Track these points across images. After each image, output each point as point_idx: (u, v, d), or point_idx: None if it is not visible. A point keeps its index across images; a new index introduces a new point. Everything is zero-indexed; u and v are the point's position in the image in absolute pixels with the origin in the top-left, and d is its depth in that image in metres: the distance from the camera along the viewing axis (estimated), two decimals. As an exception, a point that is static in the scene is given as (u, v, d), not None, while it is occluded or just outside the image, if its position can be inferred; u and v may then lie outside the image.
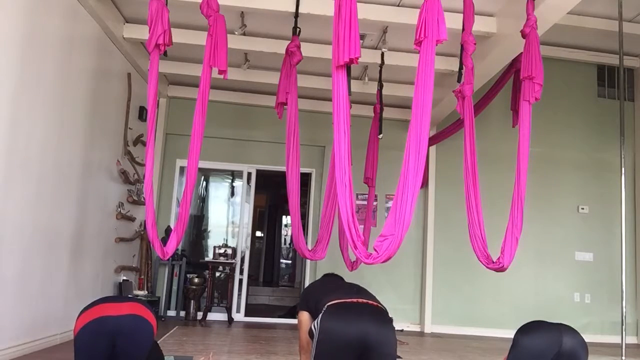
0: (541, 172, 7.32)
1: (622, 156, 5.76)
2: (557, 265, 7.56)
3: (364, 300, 2.80)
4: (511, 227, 4.07)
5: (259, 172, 7.99)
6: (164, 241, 4.16)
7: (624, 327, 5.60)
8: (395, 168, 3.72)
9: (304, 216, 7.46)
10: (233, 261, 7.53)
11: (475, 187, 4.17)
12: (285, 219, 12.82)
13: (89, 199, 5.37)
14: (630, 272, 7.16)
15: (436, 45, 3.50)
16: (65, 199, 4.86)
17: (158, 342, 3.07)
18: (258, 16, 5.41)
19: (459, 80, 4.46)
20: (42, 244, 4.45)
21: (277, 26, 5.62)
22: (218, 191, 10.50)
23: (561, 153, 7.75)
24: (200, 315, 7.24)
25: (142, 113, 6.74)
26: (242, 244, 7.86)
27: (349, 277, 4.12)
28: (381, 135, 6.13)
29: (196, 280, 7.44)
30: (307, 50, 5.39)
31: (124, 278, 6.55)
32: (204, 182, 9.93)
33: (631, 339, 7.14)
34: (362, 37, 5.64)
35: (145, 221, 4.99)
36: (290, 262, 12.66)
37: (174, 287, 7.48)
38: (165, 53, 4.10)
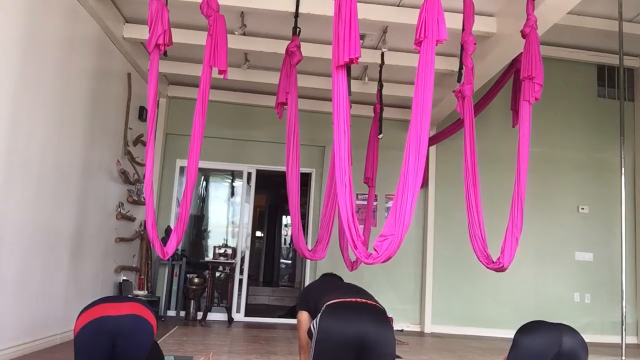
0: (541, 172, 7.31)
1: (622, 156, 5.76)
2: (557, 265, 7.56)
3: (363, 300, 2.81)
4: (511, 227, 4.07)
5: (259, 172, 7.99)
6: (164, 241, 4.15)
7: (624, 327, 5.60)
8: (395, 168, 3.72)
9: (304, 216, 7.46)
10: (233, 261, 7.53)
11: (475, 187, 4.17)
12: (285, 219, 12.81)
13: (89, 199, 5.38)
14: (630, 272, 7.16)
15: (436, 45, 3.49)
16: (65, 199, 4.86)
17: (158, 342, 3.07)
18: (258, 16, 5.41)
19: (459, 80, 4.46)
20: (42, 244, 4.45)
21: (277, 26, 5.62)
22: (218, 191, 10.50)
23: (561, 153, 7.75)
24: (200, 315, 7.24)
25: (142, 113, 6.74)
26: (242, 244, 7.86)
27: (349, 277, 4.13)
28: (381, 135, 6.13)
29: (196, 280, 7.44)
30: (307, 50, 5.39)
31: (124, 278, 6.55)
32: (204, 182, 9.93)
33: (631, 339, 7.14)
34: (362, 37, 5.64)
35: (145, 221, 4.99)
36: (290, 262, 12.66)
37: (174, 287, 7.48)
38: (165, 53, 4.10)
